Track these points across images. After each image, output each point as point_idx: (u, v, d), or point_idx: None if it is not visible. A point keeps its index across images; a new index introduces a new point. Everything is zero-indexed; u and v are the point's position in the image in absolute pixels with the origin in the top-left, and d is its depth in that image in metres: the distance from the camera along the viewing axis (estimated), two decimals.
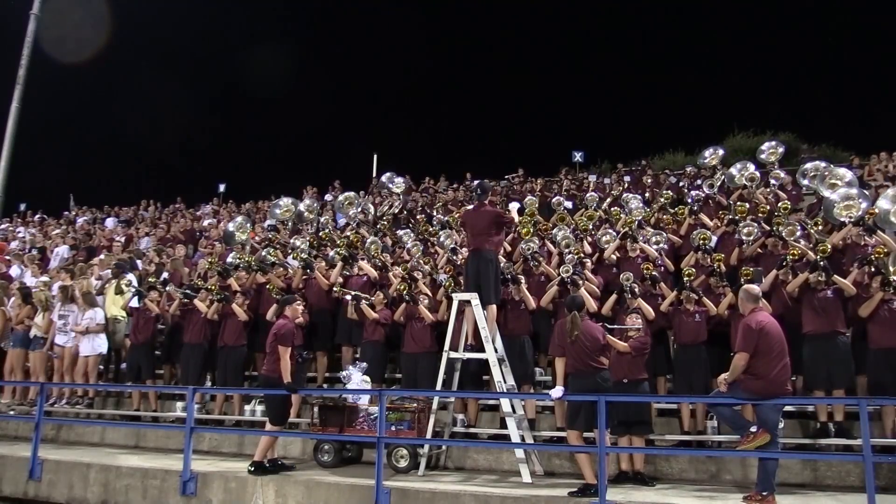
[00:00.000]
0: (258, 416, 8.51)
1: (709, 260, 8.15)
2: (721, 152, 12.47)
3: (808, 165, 10.55)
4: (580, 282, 7.88)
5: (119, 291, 10.20)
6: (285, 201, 12.98)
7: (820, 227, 8.46)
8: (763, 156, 11.87)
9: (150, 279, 10.51)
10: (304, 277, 9.62)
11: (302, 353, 7.63)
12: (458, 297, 7.50)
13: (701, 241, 8.46)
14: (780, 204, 9.15)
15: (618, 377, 6.58)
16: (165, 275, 11.14)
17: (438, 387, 7.33)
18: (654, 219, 10.24)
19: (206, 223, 16.14)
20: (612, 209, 10.82)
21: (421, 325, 8.14)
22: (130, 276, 10.91)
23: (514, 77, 38.68)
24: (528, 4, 37.43)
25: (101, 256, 12.41)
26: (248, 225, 12.13)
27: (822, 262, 6.97)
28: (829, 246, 7.34)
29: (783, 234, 8.12)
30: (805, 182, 10.43)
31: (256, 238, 12.64)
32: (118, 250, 13.39)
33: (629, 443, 6.70)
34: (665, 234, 9.28)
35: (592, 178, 15.75)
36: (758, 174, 10.83)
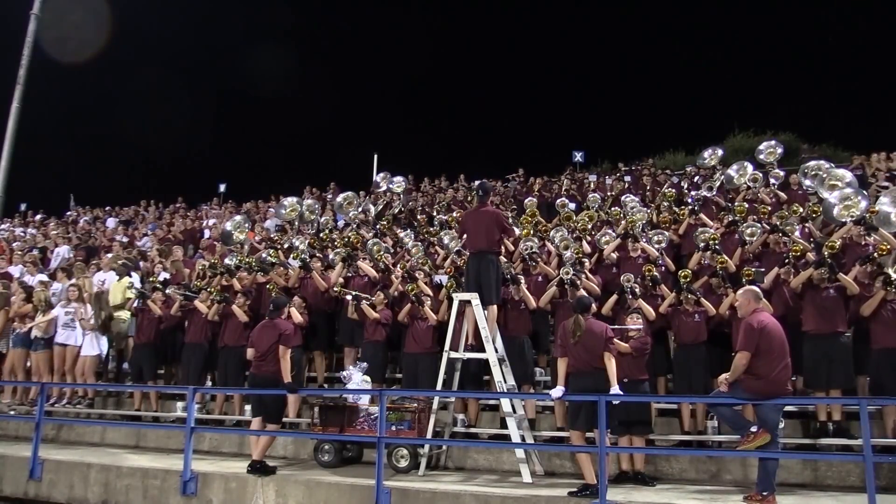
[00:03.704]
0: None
1: (716, 260, 8.11)
2: (720, 152, 12.47)
3: (811, 164, 10.55)
4: (579, 282, 7.88)
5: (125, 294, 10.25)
6: (290, 201, 12.97)
7: (818, 215, 8.47)
8: (762, 156, 11.87)
9: (150, 279, 10.53)
10: (301, 277, 9.62)
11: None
12: (458, 297, 7.51)
13: (710, 241, 8.44)
14: (783, 205, 9.16)
15: (618, 377, 6.57)
16: (165, 275, 11.14)
17: (439, 387, 7.33)
18: (654, 218, 10.25)
19: (209, 223, 16.15)
20: (612, 209, 10.84)
21: (424, 325, 8.15)
22: (133, 279, 10.92)
23: (515, 77, 38.73)
24: (528, 4, 37.48)
25: (110, 255, 12.40)
26: (247, 225, 12.12)
27: (828, 260, 6.98)
28: (838, 243, 7.36)
29: (785, 229, 8.13)
30: (807, 182, 10.43)
31: (256, 238, 12.63)
32: (119, 250, 13.39)
33: (629, 443, 6.70)
34: (666, 234, 9.28)
35: (592, 177, 15.73)
36: (760, 174, 10.84)
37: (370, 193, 16.26)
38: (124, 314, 10.36)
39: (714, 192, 10.92)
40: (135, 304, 10.08)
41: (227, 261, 10.69)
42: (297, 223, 12.55)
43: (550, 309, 8.26)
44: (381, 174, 14.63)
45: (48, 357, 9.98)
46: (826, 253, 7.08)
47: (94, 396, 10.02)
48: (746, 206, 9.58)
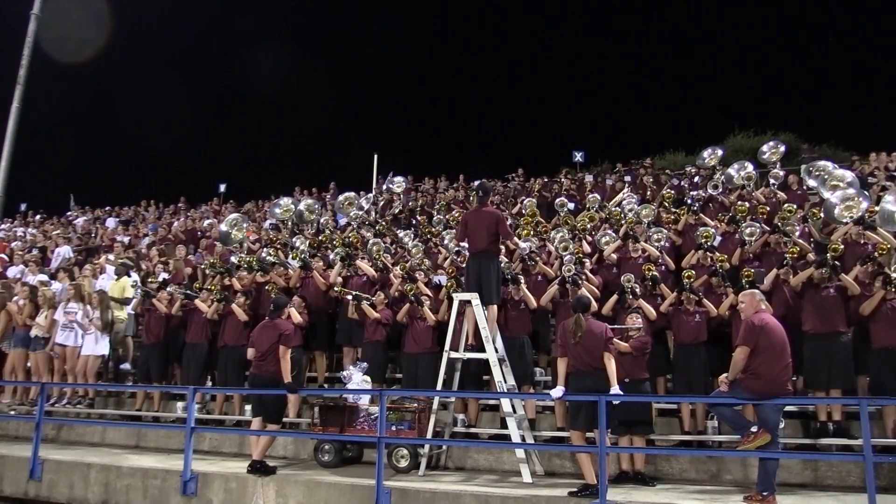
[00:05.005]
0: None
1: (710, 259, 8.16)
2: (720, 152, 12.48)
3: (818, 164, 10.54)
4: (580, 281, 7.88)
5: (125, 294, 10.26)
6: (285, 201, 13.00)
7: (820, 218, 8.49)
8: (765, 156, 11.91)
9: (150, 280, 10.53)
10: (302, 277, 9.62)
11: None
12: (458, 297, 7.50)
13: (704, 240, 8.47)
14: (785, 206, 9.17)
15: (619, 377, 6.56)
16: (165, 275, 11.15)
17: (439, 387, 7.33)
18: (654, 217, 10.25)
19: (205, 223, 16.14)
20: (613, 209, 10.85)
21: (423, 325, 8.14)
22: (135, 277, 10.92)
23: (515, 77, 38.74)
24: (528, 4, 37.50)
25: (111, 256, 12.40)
26: (244, 224, 12.10)
27: (831, 262, 6.98)
28: (841, 246, 7.37)
29: (786, 230, 8.15)
30: (810, 182, 10.44)
31: (252, 237, 12.60)
32: (120, 250, 13.40)
33: (630, 443, 6.70)
34: (665, 232, 9.29)
35: (589, 178, 15.73)
36: (755, 173, 10.85)
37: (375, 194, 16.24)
38: (122, 314, 10.36)
39: (719, 191, 10.93)
40: (139, 305, 10.09)
41: (233, 259, 10.70)
42: (290, 223, 12.56)
43: (551, 308, 8.27)
44: (388, 177, 14.68)
45: (48, 357, 9.98)
46: (829, 255, 7.08)
47: (94, 396, 10.02)
48: (747, 205, 9.59)
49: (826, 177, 9.50)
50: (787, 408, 6.63)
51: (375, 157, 18.33)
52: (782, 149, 11.84)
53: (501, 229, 7.59)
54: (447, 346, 7.44)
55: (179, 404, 9.19)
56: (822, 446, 6.68)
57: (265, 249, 10.85)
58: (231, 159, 32.37)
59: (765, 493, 5.52)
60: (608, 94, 33.34)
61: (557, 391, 6.32)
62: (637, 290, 7.65)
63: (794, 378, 6.41)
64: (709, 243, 8.47)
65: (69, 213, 21.27)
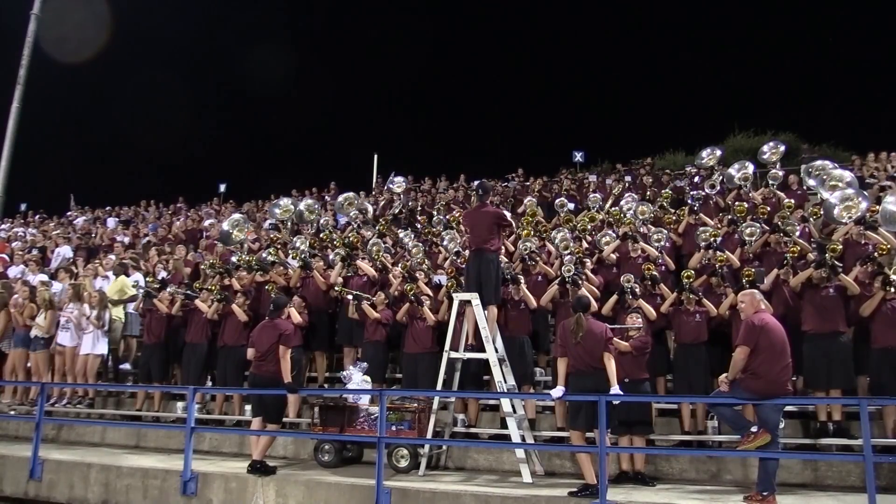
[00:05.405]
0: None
1: (717, 258, 8.12)
2: (719, 153, 12.47)
3: (815, 164, 10.54)
4: (580, 281, 7.88)
5: (123, 293, 10.24)
6: (285, 201, 13.02)
7: (819, 216, 8.50)
8: (765, 156, 11.90)
9: (147, 279, 10.52)
10: (303, 277, 9.62)
11: None
12: (458, 297, 7.50)
13: (711, 239, 8.46)
14: (785, 202, 9.17)
15: (619, 377, 6.57)
16: (163, 275, 11.13)
17: (439, 387, 7.33)
18: (653, 216, 10.25)
19: (206, 223, 16.14)
20: (613, 209, 10.84)
21: (423, 325, 8.14)
22: (138, 277, 10.91)
23: (515, 77, 38.83)
24: (528, 5, 37.51)
25: (112, 256, 12.41)
26: (246, 224, 12.10)
27: (830, 261, 6.98)
28: (840, 246, 7.36)
29: (787, 229, 8.15)
30: (811, 182, 10.45)
31: (251, 237, 12.60)
32: (120, 250, 13.39)
33: (630, 443, 6.70)
34: (665, 232, 9.28)
35: (592, 177, 15.71)
36: (750, 173, 10.85)
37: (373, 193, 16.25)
38: (119, 314, 10.36)
39: (716, 190, 10.92)
40: (141, 305, 10.09)
41: (233, 259, 10.69)
42: (288, 223, 12.56)
43: (551, 308, 8.26)
44: (390, 177, 14.72)
45: (48, 357, 9.98)
46: (829, 256, 7.08)
47: (94, 396, 10.02)
48: (746, 205, 9.59)
49: (825, 177, 9.50)
50: (787, 408, 6.63)
51: (375, 157, 18.37)
52: (782, 149, 11.84)
53: (504, 222, 7.67)
54: (447, 346, 7.44)
55: (179, 404, 9.19)
56: (822, 446, 6.68)
57: (267, 249, 10.84)
58: (231, 159, 32.47)
59: (765, 493, 5.52)
60: (608, 93, 33.46)
61: (557, 391, 6.32)
62: (637, 290, 7.65)
63: (794, 378, 6.41)
64: (716, 242, 8.46)
65: (69, 213, 21.25)
